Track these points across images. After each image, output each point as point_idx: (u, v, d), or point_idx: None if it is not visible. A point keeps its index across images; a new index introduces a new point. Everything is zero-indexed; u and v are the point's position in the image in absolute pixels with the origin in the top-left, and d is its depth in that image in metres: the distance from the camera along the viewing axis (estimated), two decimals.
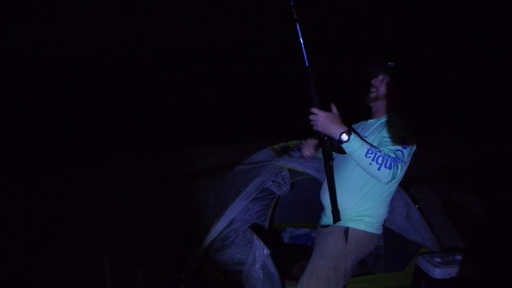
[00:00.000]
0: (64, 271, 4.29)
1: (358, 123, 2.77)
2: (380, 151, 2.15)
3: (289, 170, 3.51)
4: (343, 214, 2.48)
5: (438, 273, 3.10)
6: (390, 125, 2.39)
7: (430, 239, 3.68)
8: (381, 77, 2.54)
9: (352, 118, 2.77)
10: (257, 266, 3.02)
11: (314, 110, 2.24)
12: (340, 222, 2.48)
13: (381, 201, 2.48)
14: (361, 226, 2.46)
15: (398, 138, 2.27)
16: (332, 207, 2.46)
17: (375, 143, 2.35)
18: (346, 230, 2.46)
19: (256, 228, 3.37)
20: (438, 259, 3.21)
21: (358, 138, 2.18)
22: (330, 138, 2.27)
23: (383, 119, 2.51)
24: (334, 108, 2.27)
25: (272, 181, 3.46)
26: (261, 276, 3.04)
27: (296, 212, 5.05)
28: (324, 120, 2.21)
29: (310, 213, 4.86)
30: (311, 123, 2.27)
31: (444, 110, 12.54)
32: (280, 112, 13.29)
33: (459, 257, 3.26)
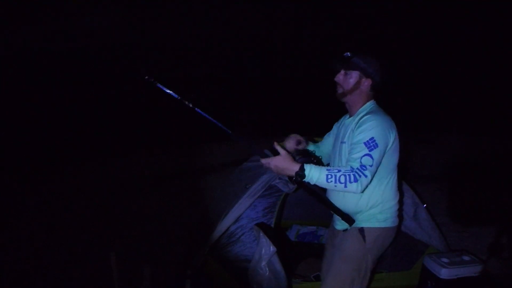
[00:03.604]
0: (71, 267, 4.32)
1: (339, 120, 2.79)
2: (339, 170, 2.20)
3: None
4: (354, 217, 2.52)
5: (444, 273, 3.07)
6: (359, 126, 2.37)
7: (437, 239, 3.65)
8: (342, 71, 2.52)
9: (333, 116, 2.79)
10: (263, 263, 3.02)
11: (262, 161, 2.34)
12: (354, 224, 2.52)
13: (386, 196, 2.50)
14: (375, 224, 2.49)
15: (364, 141, 2.27)
16: (340, 217, 2.53)
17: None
18: (362, 230, 2.49)
19: (262, 225, 3.36)
20: (445, 259, 3.18)
21: (313, 168, 2.22)
22: None
23: (357, 118, 2.48)
24: (279, 149, 2.32)
25: (279, 178, 3.46)
26: (267, 273, 3.04)
27: (303, 210, 5.05)
28: (275, 167, 2.29)
29: (316, 211, 4.86)
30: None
31: (452, 108, 12.47)
32: (288, 109, 13.29)
33: (466, 258, 3.23)
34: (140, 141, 10.91)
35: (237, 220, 3.41)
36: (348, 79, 2.49)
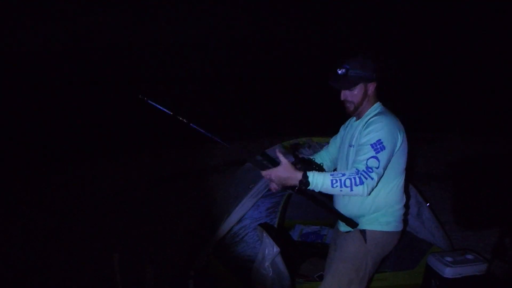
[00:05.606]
0: (73, 267, 4.32)
1: (346, 123, 2.75)
2: (344, 174, 2.16)
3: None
4: (357, 220, 2.51)
5: (448, 272, 3.07)
6: (366, 127, 2.33)
7: (441, 238, 3.65)
8: (346, 92, 2.45)
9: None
10: (267, 263, 3.02)
11: (263, 173, 2.26)
12: (357, 226, 2.51)
13: (391, 200, 2.47)
14: (377, 227, 2.46)
15: (371, 143, 2.24)
16: (343, 221, 2.51)
17: None
18: (363, 232, 2.47)
19: (265, 226, 3.36)
20: (449, 258, 3.18)
21: (316, 175, 2.17)
22: None
23: (364, 119, 2.44)
24: (281, 158, 2.23)
25: None
26: (271, 273, 3.03)
27: (306, 209, 5.04)
28: (277, 178, 2.22)
29: (320, 210, 4.84)
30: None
31: (454, 106, 12.45)
32: (291, 109, 13.29)
33: (470, 256, 3.22)
34: (142, 141, 10.91)
35: (240, 220, 3.40)
36: (354, 93, 2.43)
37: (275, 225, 3.49)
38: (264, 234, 3.06)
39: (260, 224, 3.37)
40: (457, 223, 5.19)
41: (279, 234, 3.32)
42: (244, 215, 3.41)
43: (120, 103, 13.97)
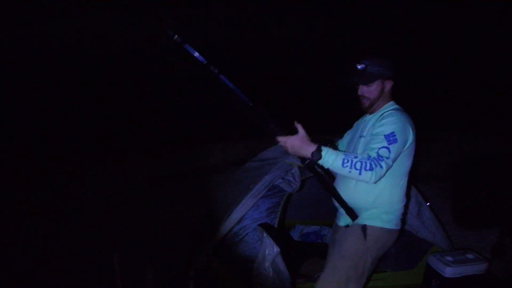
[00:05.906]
0: (73, 268, 4.32)
1: (360, 119, 2.76)
2: (356, 157, 2.17)
3: (299, 167, 3.49)
4: (359, 213, 2.50)
5: (449, 272, 3.07)
6: (380, 120, 2.37)
7: (441, 237, 3.65)
8: (364, 87, 2.50)
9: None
10: (267, 264, 3.02)
11: (279, 139, 2.26)
12: (357, 220, 2.50)
13: (395, 198, 2.48)
14: (378, 223, 2.46)
15: (384, 134, 2.26)
16: (344, 210, 2.49)
17: None
18: (364, 227, 2.47)
19: (266, 226, 3.36)
20: (449, 258, 3.18)
21: (330, 151, 2.18)
22: None
23: (378, 114, 2.49)
24: (299, 128, 2.24)
25: (282, 178, 3.45)
26: (271, 274, 3.03)
27: (306, 209, 5.04)
28: (291, 146, 2.22)
29: (320, 210, 4.85)
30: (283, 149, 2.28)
31: (454, 105, 12.43)
32: (290, 109, 13.26)
33: (470, 256, 3.22)
34: (142, 141, 10.91)
35: (240, 220, 3.40)
36: (371, 89, 2.48)
37: (275, 225, 3.49)
38: (264, 234, 3.05)
39: (260, 224, 3.36)
40: (457, 223, 5.18)
41: (279, 234, 3.32)
42: (244, 215, 3.40)
43: (120, 103, 13.96)
